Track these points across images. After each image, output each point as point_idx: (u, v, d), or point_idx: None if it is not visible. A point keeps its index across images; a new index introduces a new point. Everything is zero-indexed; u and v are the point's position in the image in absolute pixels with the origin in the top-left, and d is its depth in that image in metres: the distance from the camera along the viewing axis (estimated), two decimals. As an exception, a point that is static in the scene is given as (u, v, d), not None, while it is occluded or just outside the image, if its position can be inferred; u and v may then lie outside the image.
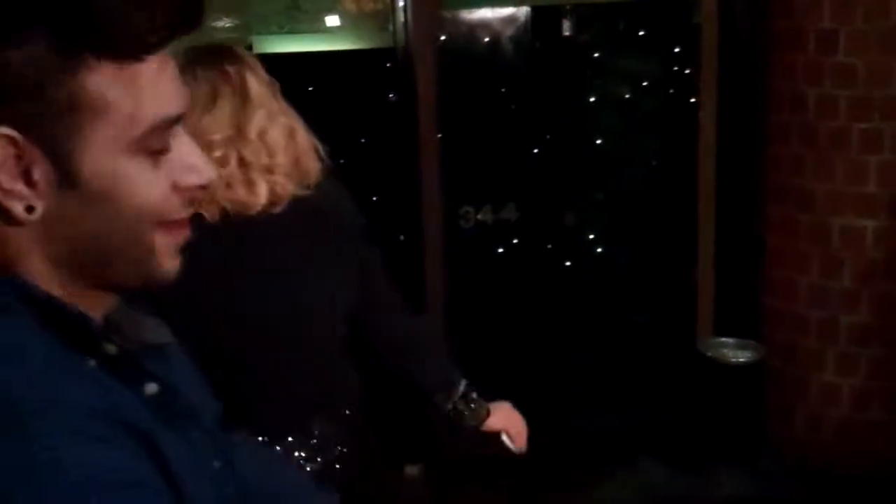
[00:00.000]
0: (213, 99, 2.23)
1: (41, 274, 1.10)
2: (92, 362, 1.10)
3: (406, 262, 4.62)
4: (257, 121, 2.24)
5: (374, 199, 4.81)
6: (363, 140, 4.74)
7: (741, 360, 4.65)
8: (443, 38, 4.68)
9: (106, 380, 1.10)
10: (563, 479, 4.55)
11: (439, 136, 4.56)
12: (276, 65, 4.88)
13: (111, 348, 1.12)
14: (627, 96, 5.04)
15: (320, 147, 2.36)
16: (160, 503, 1.08)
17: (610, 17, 4.99)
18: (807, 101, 4.46)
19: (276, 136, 2.24)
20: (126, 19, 1.02)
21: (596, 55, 4.99)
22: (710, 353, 4.66)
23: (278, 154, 2.23)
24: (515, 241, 4.92)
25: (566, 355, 5.02)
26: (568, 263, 5.05)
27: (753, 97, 4.70)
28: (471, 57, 4.82)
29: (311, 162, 2.33)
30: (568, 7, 4.92)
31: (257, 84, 2.30)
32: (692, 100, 4.94)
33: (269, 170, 2.23)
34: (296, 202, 2.25)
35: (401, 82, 4.59)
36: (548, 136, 4.94)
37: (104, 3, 1.01)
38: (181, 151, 1.13)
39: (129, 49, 1.04)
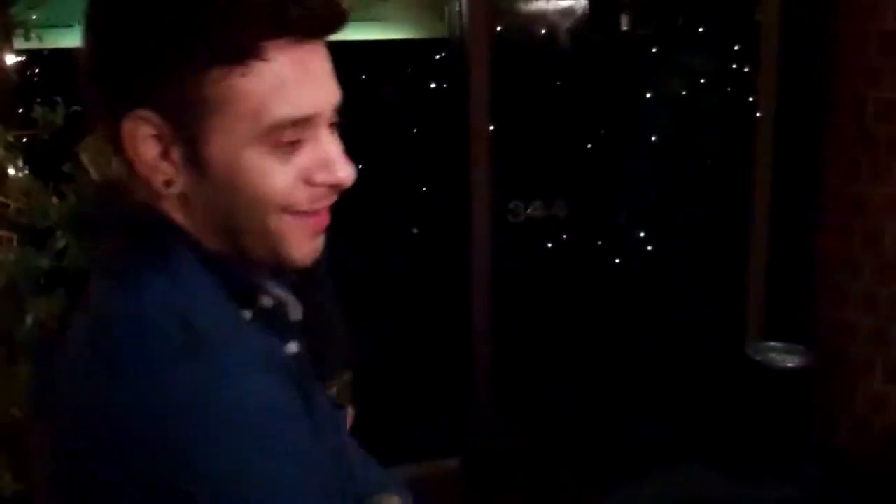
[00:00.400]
0: None
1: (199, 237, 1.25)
2: (248, 314, 1.25)
3: (453, 255, 4.61)
4: None
5: (424, 189, 4.80)
6: (414, 130, 4.71)
7: (789, 364, 4.57)
8: (499, 28, 4.59)
9: (261, 329, 1.25)
10: (605, 479, 4.50)
11: (491, 128, 4.47)
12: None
13: (267, 301, 1.27)
14: (684, 93, 4.95)
15: None
16: (313, 438, 1.19)
17: (669, 11, 4.89)
18: (866, 103, 4.37)
19: None
20: (219, 34, 1.15)
21: (654, 50, 4.89)
22: (758, 357, 4.60)
23: None
24: (565, 236, 4.86)
25: (612, 355, 4.95)
26: (617, 261, 4.98)
27: (813, 98, 4.62)
28: (526, 48, 4.72)
29: None
30: (627, 0, 4.84)
31: None
32: (750, 99, 4.86)
33: None
34: None
35: (454, 73, 4.53)
36: (602, 132, 4.87)
37: (203, 21, 1.15)
38: (318, 148, 1.24)
39: (228, 57, 1.16)
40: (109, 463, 1.10)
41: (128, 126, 1.19)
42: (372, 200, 4.14)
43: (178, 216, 1.24)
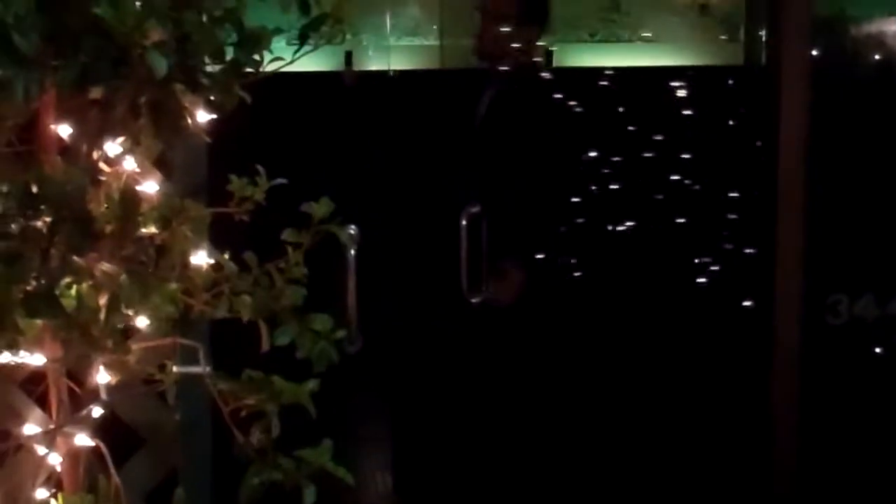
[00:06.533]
0: None
1: None
2: None
3: (745, 369, 3.78)
4: None
5: (710, 271, 3.99)
6: (696, 187, 3.98)
7: None
8: (816, 53, 3.90)
9: None
10: None
11: (805, 188, 3.72)
12: (579, 82, 4.38)
13: None
14: None
15: None
16: None
17: None
18: None
19: None
20: None
21: None
22: None
23: None
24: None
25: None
26: None
27: None
28: (857, 81, 4.06)
29: None
30: None
31: None
32: None
33: None
34: None
35: (754, 112, 3.88)
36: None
37: None
38: None
39: None
40: None
41: None
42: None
43: None
